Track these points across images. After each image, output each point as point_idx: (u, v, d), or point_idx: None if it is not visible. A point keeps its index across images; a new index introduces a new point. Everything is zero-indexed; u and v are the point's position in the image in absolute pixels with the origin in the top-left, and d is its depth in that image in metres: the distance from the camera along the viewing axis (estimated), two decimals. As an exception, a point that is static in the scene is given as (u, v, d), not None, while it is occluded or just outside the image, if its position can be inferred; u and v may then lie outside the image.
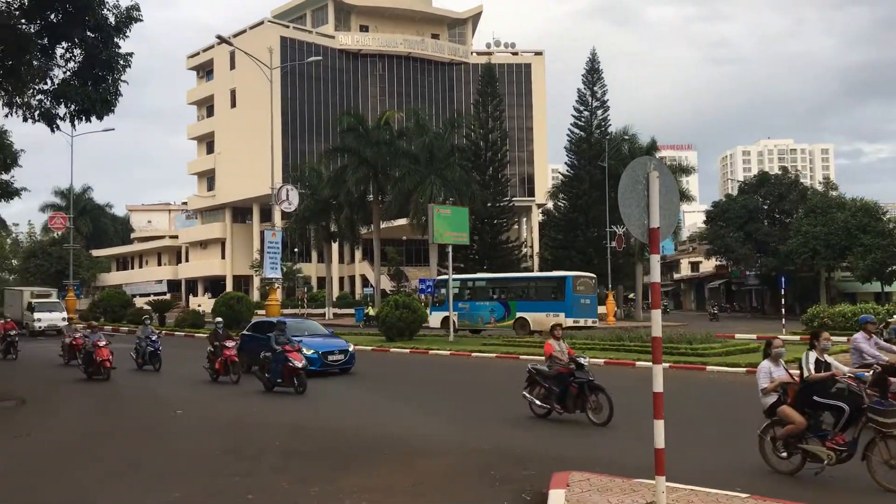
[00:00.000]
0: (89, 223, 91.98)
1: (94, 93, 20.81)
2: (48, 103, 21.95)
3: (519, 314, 33.47)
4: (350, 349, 21.06)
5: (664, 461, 6.73)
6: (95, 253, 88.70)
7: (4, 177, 30.32)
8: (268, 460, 10.18)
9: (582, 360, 12.61)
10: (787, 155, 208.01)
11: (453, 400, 16.25)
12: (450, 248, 30.13)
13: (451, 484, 8.69)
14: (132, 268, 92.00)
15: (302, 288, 63.01)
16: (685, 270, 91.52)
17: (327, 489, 8.48)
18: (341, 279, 75.26)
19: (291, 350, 16.87)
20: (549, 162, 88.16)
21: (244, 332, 22.95)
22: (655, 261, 6.89)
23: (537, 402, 13.03)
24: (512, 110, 76.24)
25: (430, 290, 36.72)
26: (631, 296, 64.13)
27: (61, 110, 21.56)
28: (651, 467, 6.94)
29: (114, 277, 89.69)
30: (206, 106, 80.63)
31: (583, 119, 60.14)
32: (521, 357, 24.28)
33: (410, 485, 8.62)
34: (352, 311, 54.47)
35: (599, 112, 59.90)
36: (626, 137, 56.76)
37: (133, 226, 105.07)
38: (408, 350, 26.88)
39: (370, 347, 28.44)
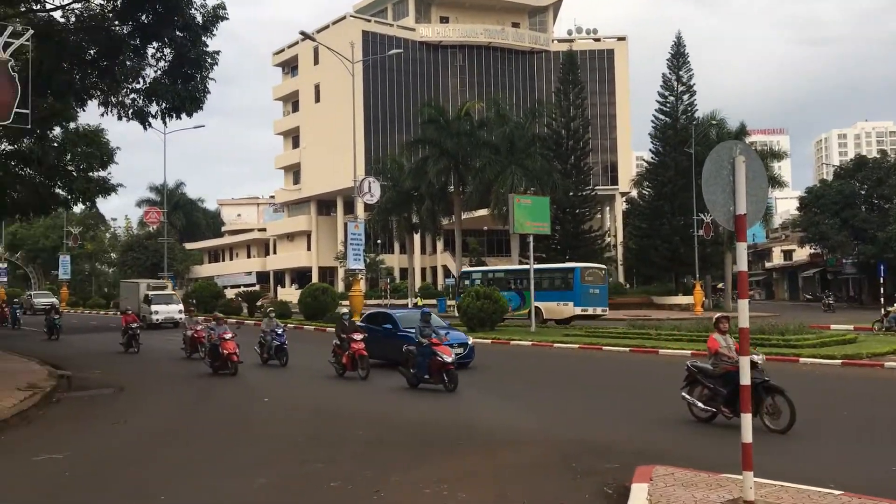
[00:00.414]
0: (182, 217, 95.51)
1: (184, 90, 21.52)
2: (141, 102, 22.84)
3: (535, 304, 33.24)
4: (469, 342, 19.73)
5: (752, 456, 6.49)
6: (188, 246, 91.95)
7: (102, 174, 31.50)
8: (351, 448, 10.33)
9: (756, 358, 10.89)
10: (886, 138, 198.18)
11: (536, 391, 16.10)
12: (530, 238, 29.91)
13: (532, 475, 8.62)
14: (223, 260, 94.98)
15: (384, 279, 63.72)
16: (777, 259, 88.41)
17: (407, 478, 8.53)
18: (423, 270, 75.84)
19: (439, 343, 15.65)
20: (633, 149, 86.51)
21: (359, 323, 20.79)
22: (742, 249, 6.64)
23: (699, 404, 11.68)
24: (594, 97, 75.11)
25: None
26: (720, 285, 62.42)
27: (153, 108, 22.40)
28: (739, 463, 6.71)
29: (206, 269, 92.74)
30: (292, 101, 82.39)
31: (668, 104, 58.77)
32: (604, 348, 23.96)
33: (491, 475, 8.59)
34: (434, 301, 54.81)
35: (685, 97, 58.44)
36: (714, 122, 55.11)
37: (223, 219, 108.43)
38: (489, 340, 26.81)
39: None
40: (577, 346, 24.87)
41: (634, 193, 69.56)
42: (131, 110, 22.80)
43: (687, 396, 11.91)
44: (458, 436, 11.03)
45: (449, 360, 15.43)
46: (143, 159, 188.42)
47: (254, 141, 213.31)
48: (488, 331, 29.59)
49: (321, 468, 9.19)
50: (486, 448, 10.09)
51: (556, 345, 25.33)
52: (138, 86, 22.56)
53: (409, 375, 16.16)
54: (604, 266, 40.02)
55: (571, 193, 56.15)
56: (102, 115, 22.86)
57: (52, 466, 9.85)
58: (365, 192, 33.03)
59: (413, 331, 17.44)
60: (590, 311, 34.60)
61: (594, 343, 24.99)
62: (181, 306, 38.91)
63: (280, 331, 20.83)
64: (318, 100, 75.16)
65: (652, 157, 61.16)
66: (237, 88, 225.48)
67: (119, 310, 41.91)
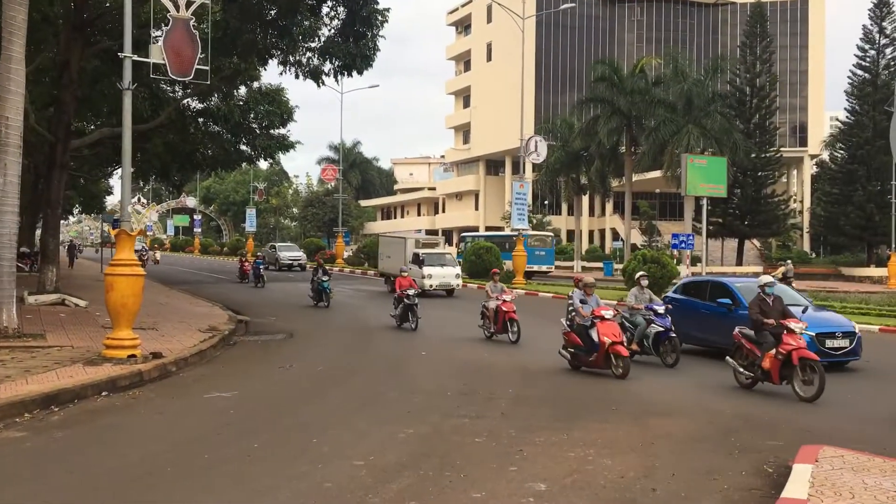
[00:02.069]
0: (358, 175, 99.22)
1: (355, 48, 22.06)
2: (315, 60, 23.68)
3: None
4: (856, 331, 13.90)
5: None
6: (363, 203, 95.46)
7: (282, 131, 33.05)
8: (499, 405, 10.25)
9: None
10: None
11: (697, 363, 15.21)
12: (704, 201, 28.40)
13: (685, 448, 8.14)
14: (395, 217, 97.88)
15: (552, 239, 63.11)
16: None
17: (553, 440, 8.31)
18: (591, 232, 74.48)
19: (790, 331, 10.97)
20: (826, 109, 79.93)
21: (671, 294, 17.22)
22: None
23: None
24: (784, 52, 69.84)
25: (682, 245, 35.22)
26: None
27: (326, 66, 23.17)
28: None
29: (379, 226, 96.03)
30: (464, 61, 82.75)
31: (868, 59, 53.67)
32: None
33: (640, 444, 8.19)
34: (600, 264, 53.73)
35: (888, 51, 53.16)
36: (921, 78, 49.76)
37: (396, 178, 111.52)
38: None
39: (615, 301, 27.75)
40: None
41: (826, 156, 64.48)
42: (307, 69, 23.74)
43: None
44: (612, 402, 10.65)
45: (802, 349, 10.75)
46: (324, 120, 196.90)
47: (429, 101, 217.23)
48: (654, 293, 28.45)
49: (467, 423, 9.17)
50: (639, 417, 9.65)
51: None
52: (314, 44, 23.40)
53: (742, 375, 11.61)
54: (549, 234, 49.24)
55: (753, 155, 52.76)
56: (281, 73, 23.91)
57: (219, 404, 10.49)
58: (531, 150, 32.68)
59: None
60: (535, 268, 42.00)
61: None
62: (458, 269, 31.90)
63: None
64: (489, 59, 74.97)
65: (847, 117, 56.24)
66: (413, 49, 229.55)
67: (378, 270, 37.65)
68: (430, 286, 29.97)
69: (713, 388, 11.85)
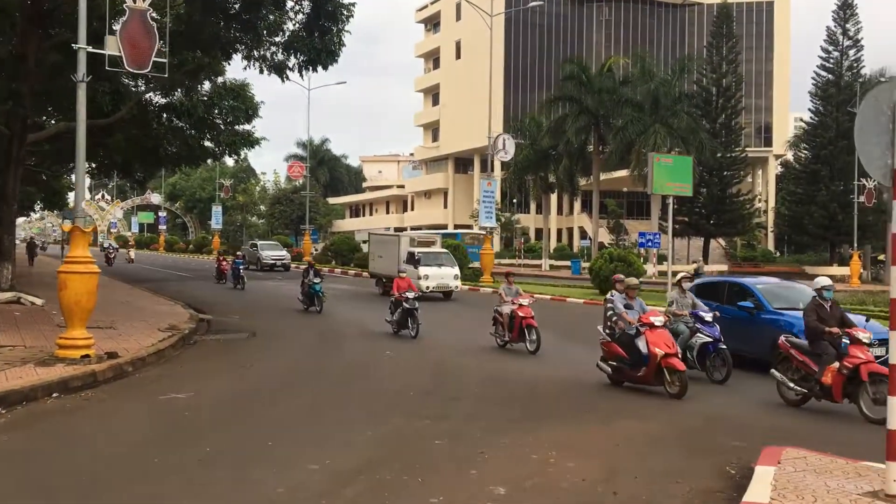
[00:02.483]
0: (327, 173, 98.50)
1: (320, 43, 21.75)
2: (280, 55, 23.33)
3: None
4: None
5: (901, 446, 5.66)
6: (331, 200, 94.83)
7: (247, 127, 32.56)
8: (465, 406, 10.08)
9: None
10: None
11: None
12: (670, 200, 28.45)
13: (649, 450, 8.02)
14: (363, 215, 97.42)
15: (519, 238, 63.25)
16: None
17: (517, 441, 8.16)
18: (559, 231, 74.69)
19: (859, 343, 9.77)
20: (792, 110, 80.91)
21: None
22: (898, 207, 5.70)
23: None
24: (749, 53, 70.62)
25: (649, 244, 35.41)
26: (880, 257, 57.82)
27: (291, 61, 22.83)
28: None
29: (347, 224, 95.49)
30: (433, 59, 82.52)
31: (831, 60, 54.42)
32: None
33: (604, 446, 8.09)
34: (568, 262, 53.89)
35: (851, 52, 53.90)
36: (883, 80, 50.46)
37: (366, 176, 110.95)
38: (622, 304, 25.85)
39: (581, 300, 27.82)
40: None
41: (790, 156, 65.33)
42: (271, 64, 23.37)
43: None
44: (578, 403, 10.55)
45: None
46: (293, 117, 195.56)
47: (400, 99, 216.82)
48: (621, 294, 28.58)
49: (429, 424, 8.99)
50: (608, 419, 9.55)
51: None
52: (278, 39, 23.05)
53: (815, 393, 10.05)
54: (482, 232, 46.17)
55: (719, 154, 53.28)
56: (245, 68, 23.53)
57: (174, 405, 10.20)
58: (499, 148, 32.58)
59: (792, 314, 12.49)
60: (475, 264, 41.52)
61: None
62: (457, 269, 29.56)
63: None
64: (458, 56, 74.83)
65: (811, 118, 57.01)
66: (384, 47, 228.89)
67: (369, 271, 33.58)
68: (427, 288, 27.24)
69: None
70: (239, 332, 18.64)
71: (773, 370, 10.61)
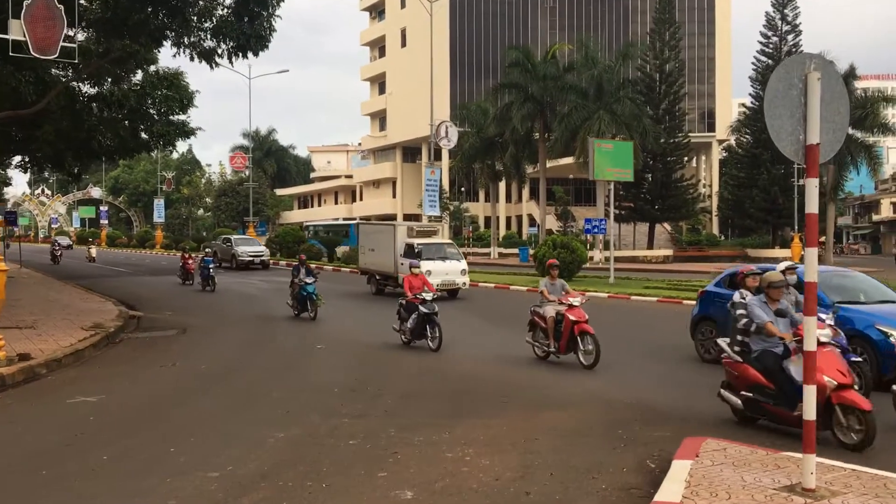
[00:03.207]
0: (274, 164, 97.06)
1: (249, 28, 21.07)
2: (209, 42, 22.54)
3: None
4: None
5: (815, 435, 5.44)
6: (279, 192, 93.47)
7: (182, 117, 31.63)
8: (386, 402, 9.70)
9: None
10: None
11: (606, 350, 14.92)
12: (611, 186, 28.50)
13: (569, 443, 7.74)
14: (312, 206, 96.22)
15: (468, 227, 63.03)
16: (887, 212, 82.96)
17: (433, 439, 7.82)
18: (508, 218, 74.70)
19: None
20: (735, 96, 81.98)
21: (712, 288, 13.58)
22: (812, 186, 5.46)
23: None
24: (692, 39, 71.33)
25: (595, 230, 35.48)
26: (822, 239, 59.06)
27: (220, 48, 22.06)
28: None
29: (295, 215, 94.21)
30: (379, 47, 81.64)
31: (771, 45, 55.12)
32: (684, 302, 22.60)
33: (522, 441, 7.77)
34: (516, 250, 53.86)
35: (790, 37, 54.64)
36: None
37: (314, 166, 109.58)
38: (565, 291, 25.67)
39: (525, 288, 27.64)
40: (657, 299, 23.63)
41: (733, 141, 66.25)
42: (199, 50, 22.57)
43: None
44: (506, 394, 10.23)
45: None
46: (239, 108, 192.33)
47: (348, 89, 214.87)
48: (566, 280, 28.47)
49: (346, 423, 8.60)
50: (530, 410, 9.26)
51: (633, 297, 24.14)
52: (207, 24, 22.25)
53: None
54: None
55: (663, 140, 53.63)
56: (174, 55, 22.74)
57: (81, 409, 9.64)
58: (441, 136, 32.23)
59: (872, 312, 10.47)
60: None
61: (675, 297, 23.66)
62: (464, 263, 25.85)
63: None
64: (404, 44, 74.11)
65: (752, 102, 57.73)
66: (332, 37, 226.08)
67: (359, 266, 29.52)
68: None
69: (619, 379, 11.44)
70: (167, 329, 17.99)
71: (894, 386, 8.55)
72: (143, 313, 21.08)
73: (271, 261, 43.22)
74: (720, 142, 73.17)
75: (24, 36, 12.36)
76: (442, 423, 8.53)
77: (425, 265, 22.23)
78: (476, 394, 10.29)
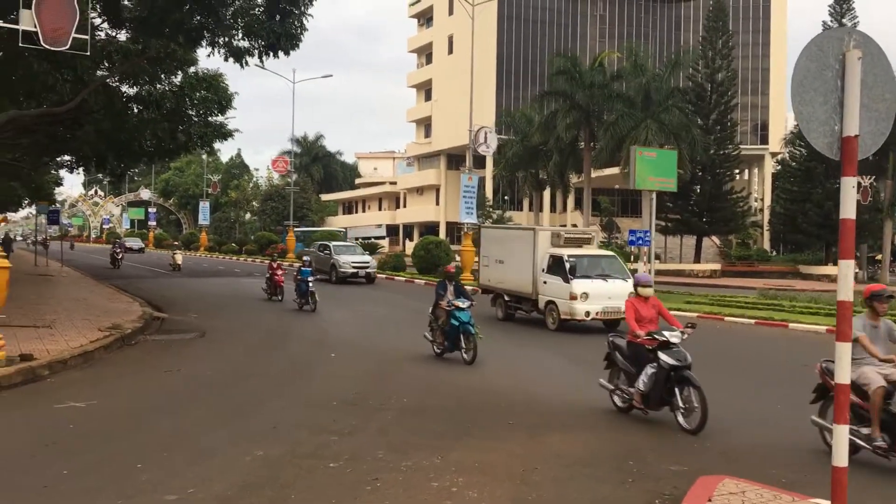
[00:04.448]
0: (321, 169, 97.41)
1: (280, 27, 20.68)
2: (242, 41, 22.25)
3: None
4: None
5: (847, 484, 4.58)
6: (324, 197, 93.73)
7: (220, 119, 31.53)
8: (383, 419, 8.99)
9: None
10: None
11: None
12: (653, 196, 27.35)
13: (572, 474, 6.94)
14: (356, 212, 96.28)
15: (510, 236, 62.04)
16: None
17: (422, 464, 7.09)
18: (553, 229, 73.54)
19: None
20: (789, 108, 79.68)
21: None
22: (849, 186, 4.60)
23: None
24: (746, 50, 69.46)
25: (639, 241, 34.33)
26: (878, 256, 56.69)
27: (251, 46, 21.74)
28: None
29: (340, 221, 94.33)
30: (426, 54, 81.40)
31: (828, 56, 53.21)
32: (726, 318, 21.56)
33: (521, 470, 6.98)
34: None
35: (849, 47, 52.68)
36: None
37: (361, 172, 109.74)
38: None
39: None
40: (696, 314, 22.50)
41: (786, 154, 64.19)
42: (233, 49, 22.29)
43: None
44: (516, 413, 9.44)
45: None
46: (288, 114, 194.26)
47: (396, 96, 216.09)
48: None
49: (334, 441, 7.91)
50: (538, 431, 8.46)
51: (671, 311, 23.08)
52: (240, 23, 21.97)
53: None
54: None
55: (712, 151, 52.06)
56: (209, 55, 22.52)
57: (65, 416, 9.16)
58: (480, 142, 31.47)
59: None
60: None
61: (716, 312, 22.54)
62: (630, 284, 16.04)
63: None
64: (451, 51, 73.65)
65: (807, 114, 55.81)
66: (384, 45, 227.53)
67: (479, 281, 23.66)
68: (587, 314, 17.99)
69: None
70: (188, 332, 17.58)
71: None
72: (167, 315, 20.79)
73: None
74: (773, 154, 71.02)
75: (35, 26, 12.00)
76: (437, 444, 7.80)
77: (579, 286, 17.96)
78: (484, 412, 9.52)
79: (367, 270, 33.55)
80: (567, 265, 18.47)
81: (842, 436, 4.58)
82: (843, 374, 4.59)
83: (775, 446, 8.08)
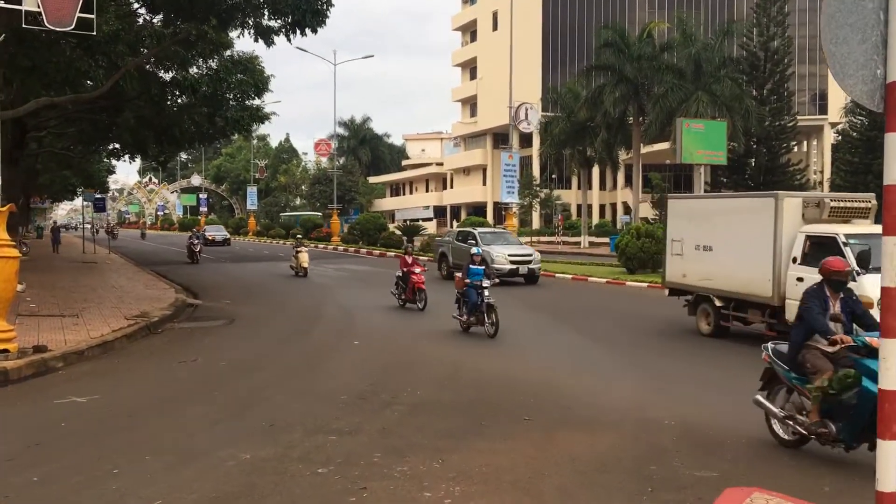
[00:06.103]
0: (368, 152, 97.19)
1: (305, 3, 20.12)
2: (270, 20, 21.79)
3: None
4: None
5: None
6: (372, 179, 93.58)
7: (257, 102, 31.23)
8: (389, 416, 8.35)
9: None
10: None
11: (663, 357, 13.19)
12: (701, 170, 26.15)
13: (583, 482, 6.18)
14: (403, 194, 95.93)
15: (558, 214, 60.87)
16: None
17: (419, 469, 6.42)
18: (602, 207, 72.06)
19: None
20: (851, 76, 76.17)
21: None
22: (893, 143, 3.71)
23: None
24: (803, 16, 66.61)
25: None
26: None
27: (277, 24, 21.29)
28: None
29: (387, 203, 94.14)
30: (470, 31, 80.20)
31: (892, 19, 50.50)
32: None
33: (528, 476, 6.25)
34: (607, 239, 51.54)
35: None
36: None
37: (409, 154, 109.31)
38: (646, 284, 23.65)
39: (604, 280, 25.75)
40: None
41: (846, 124, 61.48)
42: (259, 29, 21.84)
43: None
44: (535, 408, 8.69)
45: None
46: (341, 98, 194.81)
47: (444, 76, 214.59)
48: (649, 273, 26.43)
49: (331, 442, 7.30)
50: (553, 429, 7.72)
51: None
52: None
53: None
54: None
55: (767, 123, 49.97)
56: (239, 36, 22.14)
57: (61, 412, 8.76)
58: (521, 119, 30.62)
59: None
60: None
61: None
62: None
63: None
64: (495, 28, 72.33)
65: (869, 81, 53.21)
66: (433, 25, 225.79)
67: (665, 281, 16.27)
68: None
69: (668, 391, 9.74)
70: (217, 319, 17.23)
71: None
72: (201, 301, 20.56)
73: (352, 248, 41.90)
74: (833, 125, 68.09)
75: (39, 7, 11.59)
76: (442, 445, 7.12)
77: (874, 284, 9.23)
78: (499, 407, 8.77)
79: (530, 266, 25.26)
80: (848, 252, 11.34)
81: (889, 455, 3.75)
82: (889, 380, 3.73)
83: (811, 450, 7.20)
